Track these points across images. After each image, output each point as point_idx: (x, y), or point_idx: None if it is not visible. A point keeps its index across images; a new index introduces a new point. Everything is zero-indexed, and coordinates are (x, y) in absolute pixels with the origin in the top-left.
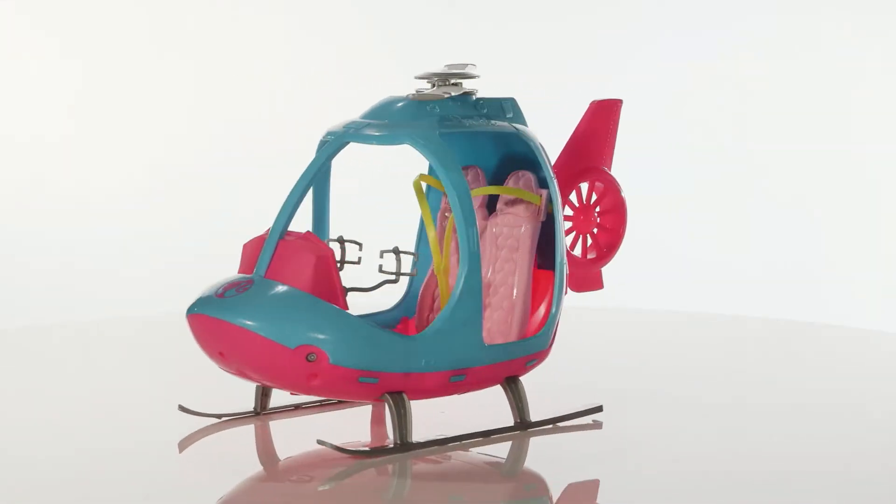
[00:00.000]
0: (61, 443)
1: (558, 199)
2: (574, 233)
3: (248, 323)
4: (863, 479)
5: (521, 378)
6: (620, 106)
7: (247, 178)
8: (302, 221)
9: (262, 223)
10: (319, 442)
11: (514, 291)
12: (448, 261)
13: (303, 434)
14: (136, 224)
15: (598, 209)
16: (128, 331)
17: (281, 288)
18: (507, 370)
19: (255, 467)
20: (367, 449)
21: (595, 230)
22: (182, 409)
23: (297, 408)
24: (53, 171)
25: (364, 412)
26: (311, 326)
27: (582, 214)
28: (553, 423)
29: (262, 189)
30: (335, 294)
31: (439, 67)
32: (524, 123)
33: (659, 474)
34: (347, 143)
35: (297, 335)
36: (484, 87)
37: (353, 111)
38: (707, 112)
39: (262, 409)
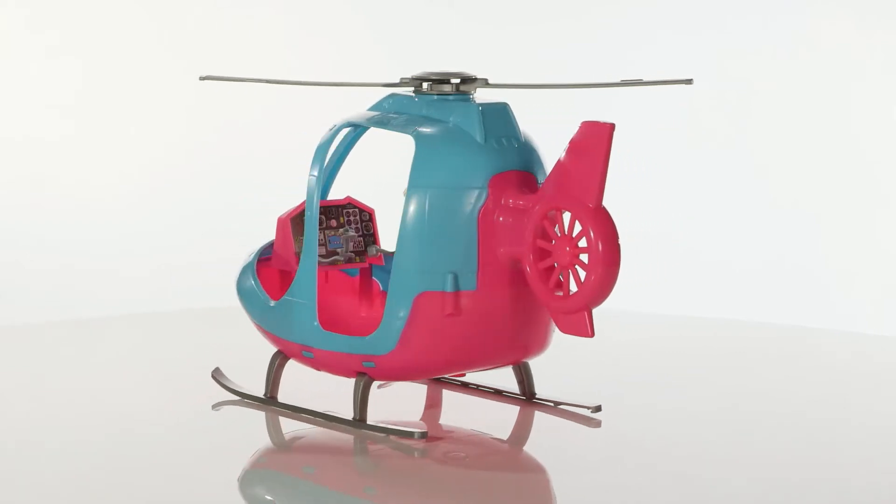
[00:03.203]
0: (61, 443)
1: (420, 204)
2: (556, 265)
3: None
4: (864, 487)
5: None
6: (610, 132)
7: (247, 178)
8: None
9: (263, 223)
10: (214, 374)
11: None
12: None
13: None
14: (136, 224)
15: (578, 244)
16: (128, 330)
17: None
18: (350, 363)
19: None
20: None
21: (577, 267)
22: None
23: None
24: (53, 171)
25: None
26: (242, 272)
27: (560, 246)
28: (385, 433)
29: (263, 189)
30: (287, 253)
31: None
32: (477, 131)
33: (653, 482)
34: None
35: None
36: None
37: (352, 111)
38: (707, 112)
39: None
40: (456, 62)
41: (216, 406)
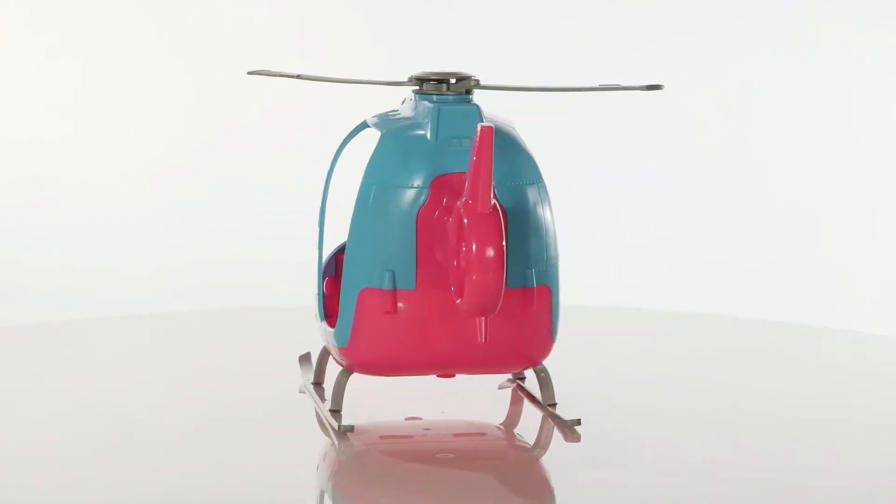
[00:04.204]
0: (61, 444)
1: (366, 200)
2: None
3: None
4: (864, 487)
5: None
6: (489, 134)
7: (247, 178)
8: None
9: (263, 223)
10: (303, 357)
11: None
12: None
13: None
14: (136, 224)
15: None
16: (128, 330)
17: None
18: (333, 354)
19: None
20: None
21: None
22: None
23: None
24: (53, 171)
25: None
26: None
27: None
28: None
29: (263, 189)
30: None
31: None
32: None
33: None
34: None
35: None
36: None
37: (352, 111)
38: (707, 112)
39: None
40: (456, 62)
41: (301, 390)
